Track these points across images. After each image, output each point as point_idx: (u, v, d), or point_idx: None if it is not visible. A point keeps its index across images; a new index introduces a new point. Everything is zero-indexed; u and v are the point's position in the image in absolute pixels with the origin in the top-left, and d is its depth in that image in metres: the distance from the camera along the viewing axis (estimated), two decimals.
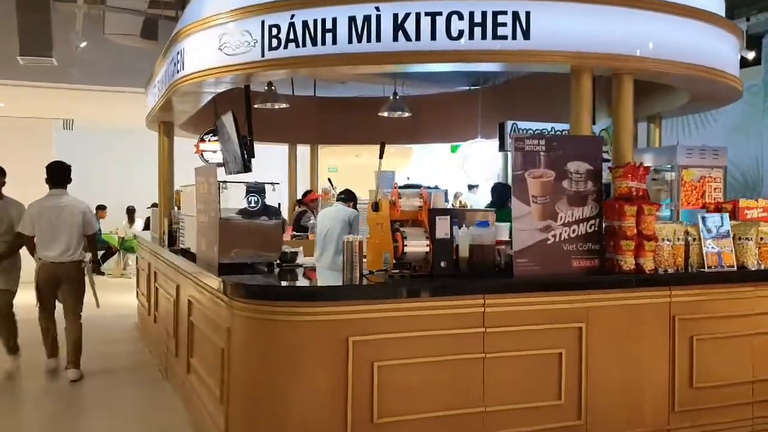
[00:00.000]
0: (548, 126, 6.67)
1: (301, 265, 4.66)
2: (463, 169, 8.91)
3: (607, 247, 4.32)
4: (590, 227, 4.30)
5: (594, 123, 7.13)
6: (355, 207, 7.07)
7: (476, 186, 11.67)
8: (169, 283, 6.06)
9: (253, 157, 5.80)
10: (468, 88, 9.81)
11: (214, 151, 8.28)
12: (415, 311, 3.71)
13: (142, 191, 15.09)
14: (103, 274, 14.41)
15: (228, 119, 5.61)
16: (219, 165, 8.96)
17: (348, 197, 7.05)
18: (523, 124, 6.55)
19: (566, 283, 4.10)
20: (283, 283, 4.04)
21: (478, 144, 9.07)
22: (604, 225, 4.33)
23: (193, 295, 4.85)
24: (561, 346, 4.04)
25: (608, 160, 7.24)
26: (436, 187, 9.78)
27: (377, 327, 3.64)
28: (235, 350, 3.79)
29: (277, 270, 4.46)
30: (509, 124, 6.50)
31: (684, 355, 4.36)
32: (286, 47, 4.34)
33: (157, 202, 14.99)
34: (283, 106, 8.67)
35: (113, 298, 11.44)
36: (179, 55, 5.25)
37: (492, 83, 9.34)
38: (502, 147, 6.51)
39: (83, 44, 7.25)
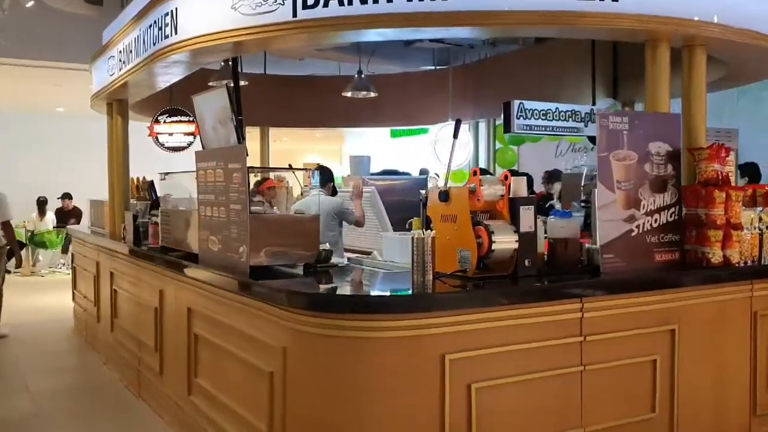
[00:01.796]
0: (552, 106, 6.22)
1: (336, 265, 3.97)
2: (435, 155, 8.34)
3: (688, 238, 3.87)
4: (671, 216, 3.84)
5: (594, 103, 6.76)
6: (334, 190, 6.30)
7: (427, 173, 11.15)
8: (143, 287, 5.19)
9: (244, 139, 5.00)
10: (433, 67, 9.25)
11: (170, 134, 7.34)
12: (511, 320, 3.11)
13: (52, 180, 13.75)
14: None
15: (217, 97, 4.77)
16: (176, 149, 8.07)
17: (324, 177, 6.13)
18: (529, 104, 6.07)
19: (660, 281, 3.61)
20: (362, 292, 3.34)
21: (450, 127, 8.51)
22: (683, 213, 3.88)
23: (200, 304, 4.06)
24: (655, 351, 3.56)
25: None
26: (407, 173, 9.21)
27: (475, 342, 3.02)
28: (294, 375, 3.08)
29: (310, 271, 3.75)
30: (516, 103, 5.98)
31: (764, 353, 3.98)
32: (326, 5, 3.60)
33: (69, 192, 13.92)
34: (242, 83, 7.80)
35: (33, 299, 10.22)
36: (169, 17, 4.39)
37: (462, 62, 8.82)
38: (507, 128, 5.99)
39: (29, 3, 6.16)
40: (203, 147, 5.50)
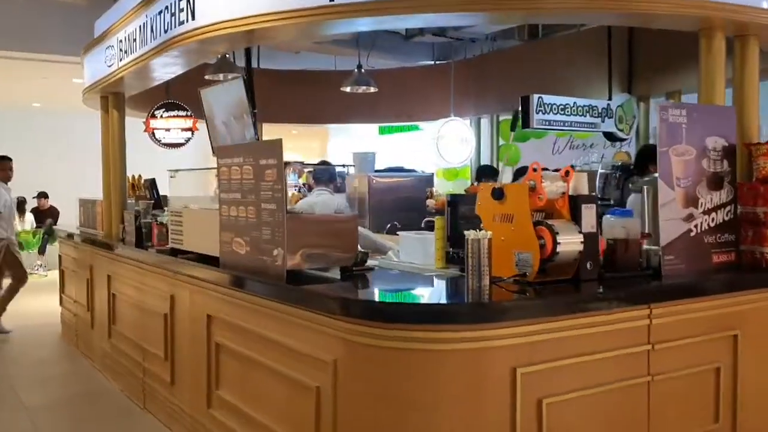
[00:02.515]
0: (570, 100, 6.00)
1: (372, 268, 3.70)
2: (438, 152, 8.09)
3: (744, 237, 3.67)
4: (726, 215, 3.64)
5: (610, 98, 6.56)
6: (336, 188, 6.01)
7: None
8: (149, 292, 4.86)
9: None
10: (433, 62, 9.00)
11: (167, 129, 6.98)
12: (583, 329, 2.87)
13: (26, 179, 13.19)
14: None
15: (231, 90, 4.48)
16: (173, 146, 7.71)
17: (326, 176, 5.81)
18: (548, 98, 5.84)
19: (726, 284, 3.41)
20: (422, 299, 3.07)
21: (453, 123, 8.28)
22: (738, 211, 3.69)
23: (224, 311, 3.76)
24: (718, 359, 3.34)
25: (624, 139, 6.72)
26: (412, 170, 8.95)
27: (546, 353, 2.78)
28: (346, 390, 2.80)
29: (347, 275, 3.49)
30: (535, 97, 5.74)
31: None
32: None
33: (44, 191, 13.43)
34: (238, 77, 7.48)
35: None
36: (184, 2, 4.07)
37: (464, 57, 8.58)
38: (526, 123, 5.75)
39: None
40: (212, 143, 5.19)
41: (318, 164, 6.05)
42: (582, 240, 3.07)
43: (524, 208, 3.10)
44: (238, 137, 4.58)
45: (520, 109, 3.43)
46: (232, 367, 3.76)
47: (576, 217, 3.14)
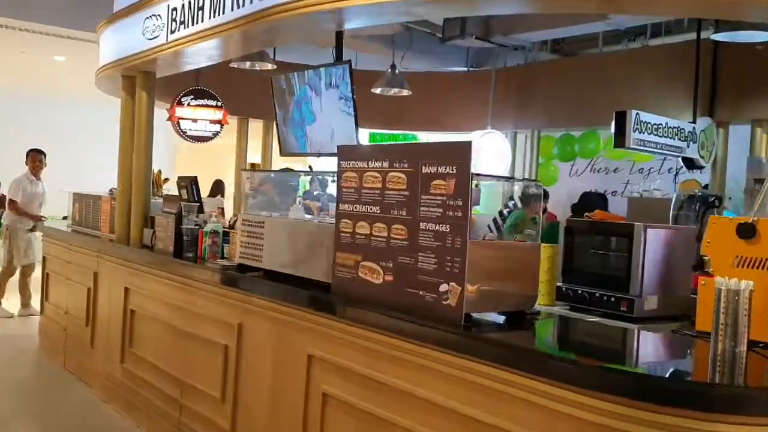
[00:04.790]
0: (662, 120, 5.39)
1: (539, 312, 2.93)
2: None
3: None
4: None
5: (694, 121, 5.97)
6: None
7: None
8: (198, 316, 3.98)
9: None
10: (466, 69, 8.31)
11: (194, 120, 6.04)
12: None
13: None
14: None
15: (337, 74, 3.67)
16: (199, 139, 6.76)
17: None
18: (645, 116, 5.21)
19: None
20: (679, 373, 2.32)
21: (490, 136, 7.61)
22: None
23: (337, 352, 2.94)
24: None
25: (702, 167, 6.13)
26: None
27: None
28: None
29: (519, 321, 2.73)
30: (632, 113, 5.10)
31: None
32: None
33: None
34: (268, 66, 6.65)
35: None
36: None
37: (503, 65, 7.91)
38: (621, 142, 5.10)
39: None
40: (280, 137, 4.39)
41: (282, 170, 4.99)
42: None
43: None
44: (339, 134, 3.77)
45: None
46: (348, 427, 2.93)
47: None
